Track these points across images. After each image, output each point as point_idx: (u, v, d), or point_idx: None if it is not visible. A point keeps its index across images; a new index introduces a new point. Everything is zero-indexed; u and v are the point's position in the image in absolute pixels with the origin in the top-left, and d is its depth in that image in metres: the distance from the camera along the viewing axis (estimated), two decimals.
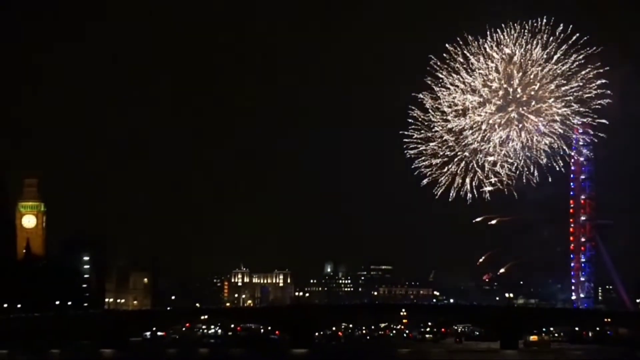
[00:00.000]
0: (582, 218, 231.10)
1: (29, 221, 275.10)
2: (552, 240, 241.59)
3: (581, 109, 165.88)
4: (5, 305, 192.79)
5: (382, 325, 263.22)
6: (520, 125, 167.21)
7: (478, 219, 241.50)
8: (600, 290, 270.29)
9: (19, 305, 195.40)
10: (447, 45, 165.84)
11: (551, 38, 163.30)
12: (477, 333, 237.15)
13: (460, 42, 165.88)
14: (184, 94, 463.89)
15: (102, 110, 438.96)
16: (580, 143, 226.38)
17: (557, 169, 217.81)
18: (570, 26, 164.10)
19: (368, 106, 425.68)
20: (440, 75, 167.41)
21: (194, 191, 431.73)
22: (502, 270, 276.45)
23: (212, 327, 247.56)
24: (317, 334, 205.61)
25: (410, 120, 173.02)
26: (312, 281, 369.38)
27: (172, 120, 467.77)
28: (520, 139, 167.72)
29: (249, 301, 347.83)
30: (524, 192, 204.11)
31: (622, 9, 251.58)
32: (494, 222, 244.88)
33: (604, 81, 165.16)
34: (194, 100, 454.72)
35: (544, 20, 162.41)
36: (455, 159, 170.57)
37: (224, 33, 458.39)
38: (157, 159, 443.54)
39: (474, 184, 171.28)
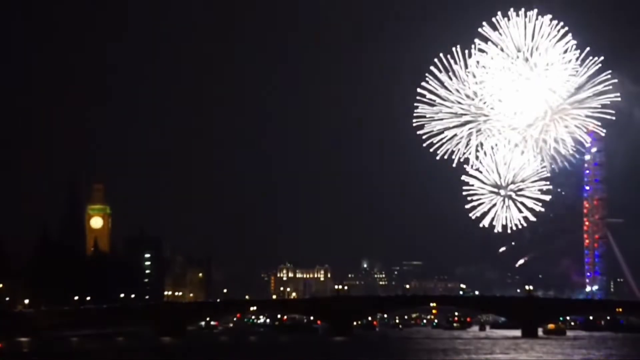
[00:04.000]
0: (595, 217, 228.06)
1: (96, 222, 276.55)
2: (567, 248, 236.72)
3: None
4: (76, 298, 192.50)
5: (414, 315, 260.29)
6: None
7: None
8: (612, 283, 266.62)
9: (88, 298, 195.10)
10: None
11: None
12: (500, 322, 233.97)
13: None
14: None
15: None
16: (594, 150, 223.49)
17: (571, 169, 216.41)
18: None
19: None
20: None
21: (247, 199, 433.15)
22: (521, 262, 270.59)
23: (261, 317, 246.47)
24: (355, 323, 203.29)
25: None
26: (350, 275, 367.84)
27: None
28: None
29: (293, 294, 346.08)
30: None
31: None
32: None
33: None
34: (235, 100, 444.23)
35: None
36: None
37: None
38: (205, 163, 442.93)
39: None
